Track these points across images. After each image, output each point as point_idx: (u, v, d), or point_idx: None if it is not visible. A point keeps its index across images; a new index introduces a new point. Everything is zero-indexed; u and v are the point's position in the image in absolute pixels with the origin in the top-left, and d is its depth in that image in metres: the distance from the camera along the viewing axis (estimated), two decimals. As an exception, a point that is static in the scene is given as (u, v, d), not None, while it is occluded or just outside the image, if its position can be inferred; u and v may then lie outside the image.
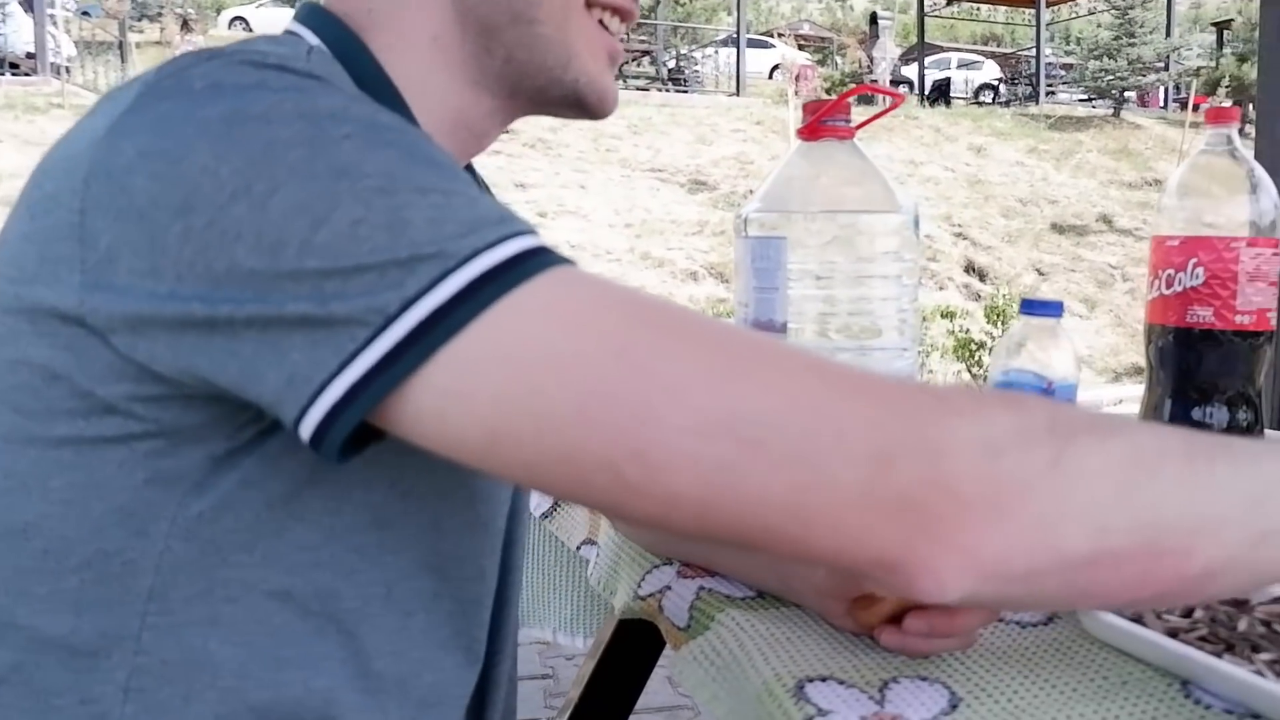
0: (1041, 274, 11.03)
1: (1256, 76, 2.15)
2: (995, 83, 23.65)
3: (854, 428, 0.46)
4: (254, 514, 0.55)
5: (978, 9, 29.01)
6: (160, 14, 19.31)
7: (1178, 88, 21.07)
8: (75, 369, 0.52)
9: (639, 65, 19.50)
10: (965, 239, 11.43)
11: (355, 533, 0.58)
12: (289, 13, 0.61)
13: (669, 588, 0.81)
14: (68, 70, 14.38)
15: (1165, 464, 0.48)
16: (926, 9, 24.00)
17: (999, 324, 7.34)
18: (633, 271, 9.06)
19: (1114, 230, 12.63)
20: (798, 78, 16.72)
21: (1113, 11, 20.12)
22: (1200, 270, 0.96)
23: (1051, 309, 0.99)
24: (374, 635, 0.60)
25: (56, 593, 0.55)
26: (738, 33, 18.83)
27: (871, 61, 19.74)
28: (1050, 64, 22.49)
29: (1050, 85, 21.50)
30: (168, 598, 0.54)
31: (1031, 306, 1.00)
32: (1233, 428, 0.99)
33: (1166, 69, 20.29)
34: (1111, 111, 18.83)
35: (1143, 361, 1.06)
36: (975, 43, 32.73)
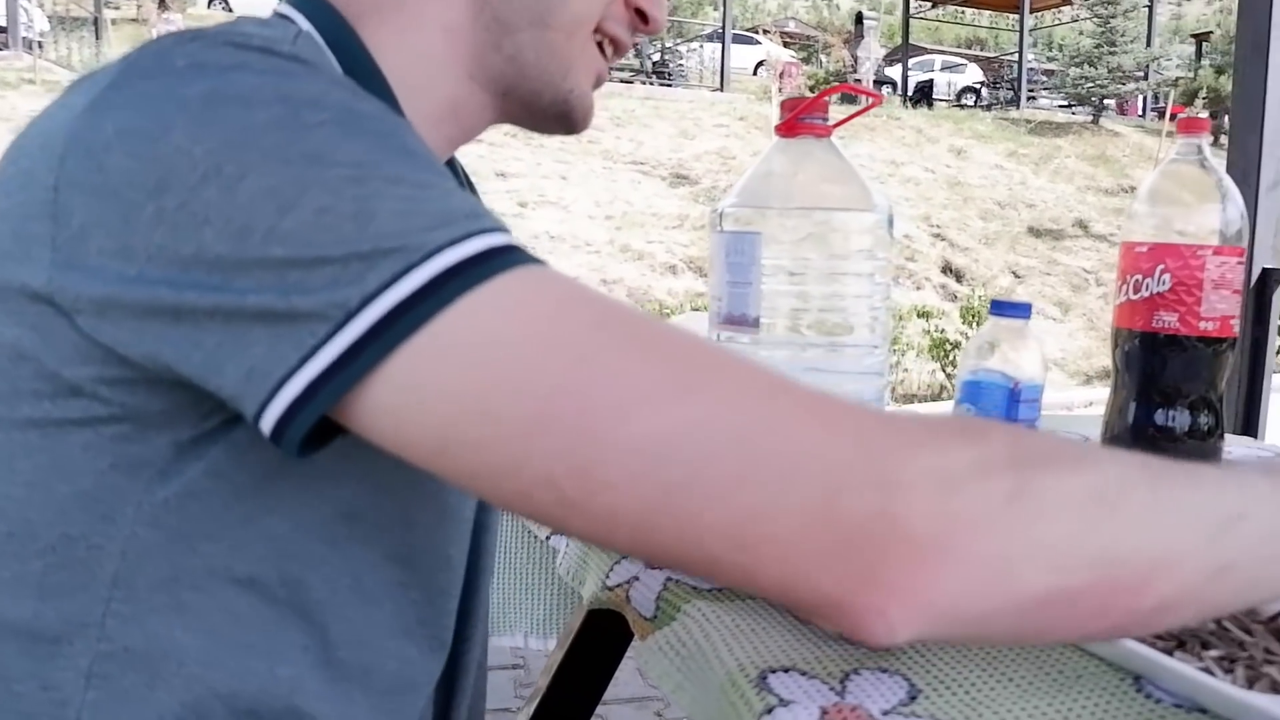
0: (1017, 276, 11.10)
1: (1231, 88, 2.18)
2: (977, 86, 23.78)
3: (805, 455, 0.44)
4: (221, 503, 0.54)
5: (962, 12, 29.12)
6: (138, -11, 19.08)
7: (1156, 97, 21.30)
8: (42, 349, 0.52)
9: (623, 57, 19.44)
10: (943, 240, 11.49)
11: (325, 524, 0.57)
12: (272, -5, 0.61)
13: (636, 578, 0.82)
14: (40, 45, 14.17)
15: (1127, 498, 0.47)
16: (912, 11, 24.08)
17: (974, 325, 7.39)
18: (612, 263, 9.05)
19: (1090, 235, 12.73)
20: (782, 75, 16.74)
21: (1095, 20, 20.25)
22: (1167, 277, 0.98)
23: (1020, 310, 1.01)
24: (340, 624, 0.59)
25: (20, 577, 0.54)
26: (723, 28, 18.84)
27: (856, 61, 19.78)
28: (1032, 69, 22.62)
29: (1031, 90, 21.63)
30: (133, 584, 0.54)
31: (1001, 308, 1.01)
32: (1194, 431, 1.01)
33: (1146, 78, 20.49)
34: (1091, 118, 18.96)
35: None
36: (959, 46, 32.88)
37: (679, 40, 21.53)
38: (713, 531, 0.44)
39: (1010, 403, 0.92)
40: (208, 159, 0.47)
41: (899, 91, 21.36)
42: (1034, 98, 21.73)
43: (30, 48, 13.76)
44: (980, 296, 8.34)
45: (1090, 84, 19.21)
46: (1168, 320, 0.98)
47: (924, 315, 8.14)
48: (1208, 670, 0.57)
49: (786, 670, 0.63)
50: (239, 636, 0.56)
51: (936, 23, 31.57)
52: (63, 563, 0.54)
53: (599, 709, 1.32)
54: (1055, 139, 16.62)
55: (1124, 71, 19.62)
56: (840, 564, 0.44)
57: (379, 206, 0.46)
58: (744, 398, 0.45)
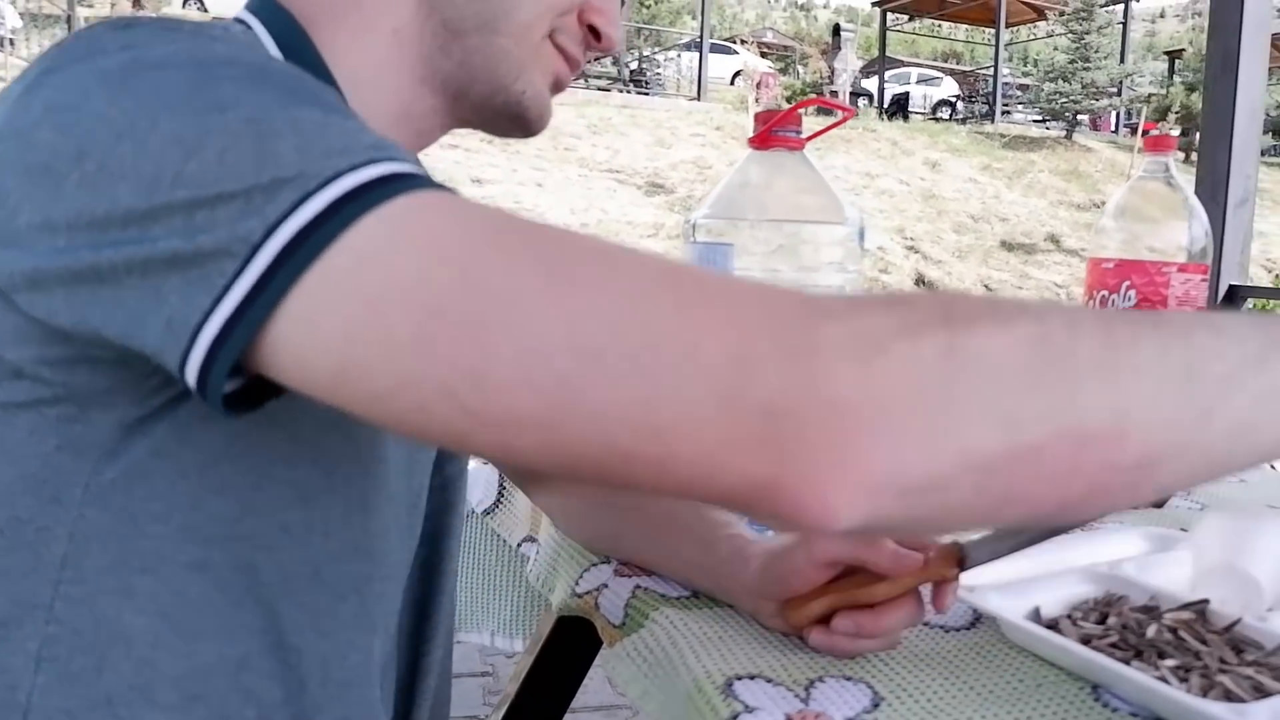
0: (990, 290, 11.19)
1: (1201, 106, 2.22)
2: (953, 99, 23.98)
3: (706, 333, 0.41)
4: (168, 483, 0.54)
5: (939, 26, 29.38)
6: (113, -11, 18.97)
7: (1129, 113, 21.54)
8: None
9: (601, 65, 19.49)
10: (917, 252, 11.57)
11: (279, 509, 0.57)
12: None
13: (605, 585, 0.82)
14: (12, 43, 14.06)
15: (1078, 345, 0.42)
16: (889, 23, 24.26)
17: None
18: (587, 272, 9.07)
19: (1061, 250, 12.86)
20: (759, 85, 16.83)
21: (1070, 36, 20.46)
22: (1133, 293, 0.99)
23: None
24: (296, 613, 0.59)
25: None
26: (701, 37, 18.91)
27: (833, 72, 19.92)
28: (1007, 84, 22.85)
29: (1006, 105, 21.86)
30: (81, 566, 0.54)
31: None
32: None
33: (1119, 94, 20.74)
34: (1064, 133, 19.17)
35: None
36: (935, 59, 33.13)
37: (656, 49, 21.61)
38: (618, 422, 0.41)
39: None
40: (123, 119, 0.47)
41: (875, 104, 21.52)
42: (1008, 112, 21.97)
43: (1, 45, 13.65)
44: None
45: (1064, 99, 19.40)
46: (1132, 335, 1.00)
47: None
48: (1163, 679, 0.58)
49: (753, 677, 0.63)
50: (189, 620, 0.56)
51: (913, 36, 31.82)
52: (11, 546, 0.54)
53: (566, 717, 1.32)
54: (1029, 153, 16.78)
55: (1098, 87, 19.83)
56: (759, 444, 0.40)
57: (280, 144, 0.45)
58: (640, 282, 0.43)
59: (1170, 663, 0.60)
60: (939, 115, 22.70)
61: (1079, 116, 19.81)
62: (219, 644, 0.57)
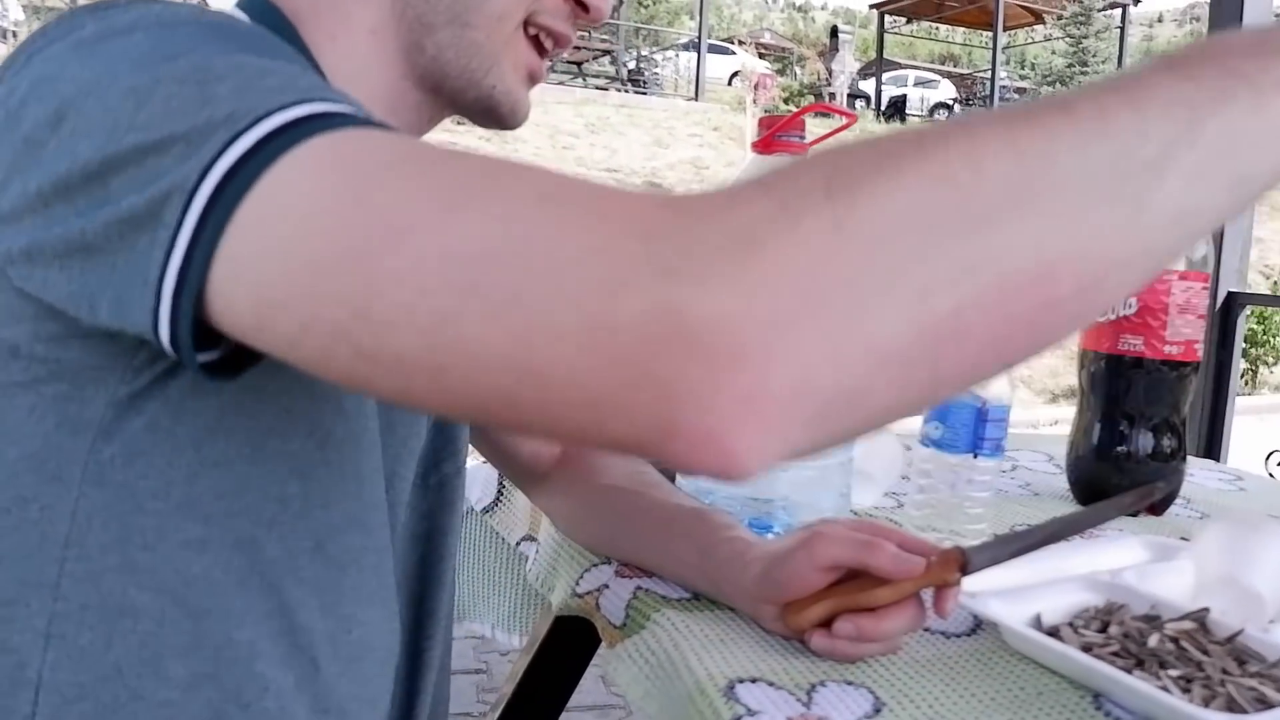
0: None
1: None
2: (950, 102, 24.01)
3: (575, 259, 0.37)
4: (165, 459, 0.54)
5: (937, 29, 29.41)
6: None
7: (1127, 118, 21.52)
8: None
9: (599, 64, 19.50)
10: (913, 255, 11.56)
11: (275, 482, 0.57)
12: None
13: (606, 586, 0.82)
14: (15, 35, 14.07)
15: (984, 167, 0.37)
16: (886, 26, 24.29)
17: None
18: (584, 270, 9.09)
19: (1058, 254, 12.85)
20: (756, 86, 16.83)
21: (1067, 39, 20.53)
22: (1133, 300, 0.99)
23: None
24: (301, 590, 0.59)
25: None
26: (699, 37, 18.91)
27: (830, 74, 19.94)
28: (1005, 87, 22.85)
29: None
30: (85, 544, 0.54)
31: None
32: (1157, 454, 1.02)
33: (1116, 98, 20.71)
34: (1061, 137, 19.16)
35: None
36: (933, 62, 33.17)
37: (654, 49, 21.60)
38: (498, 363, 0.38)
39: (978, 422, 0.93)
40: (91, 79, 0.48)
41: (872, 106, 21.54)
42: (1006, 115, 21.92)
43: (4, 37, 13.65)
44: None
45: (1061, 103, 19.39)
46: (1133, 343, 1.00)
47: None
48: (1166, 689, 0.59)
49: (754, 680, 0.63)
50: (194, 598, 0.56)
51: (910, 38, 31.85)
52: (16, 525, 0.54)
53: (561, 716, 1.32)
54: (1025, 157, 16.78)
55: (1095, 92, 19.84)
56: (637, 381, 0.36)
57: (220, 87, 0.46)
58: (516, 203, 0.40)
59: (1173, 673, 0.60)
60: (936, 118, 22.72)
61: (1076, 121, 19.80)
62: (226, 626, 0.57)
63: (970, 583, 0.65)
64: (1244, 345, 2.14)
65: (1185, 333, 0.99)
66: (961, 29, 28.57)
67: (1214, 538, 0.75)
